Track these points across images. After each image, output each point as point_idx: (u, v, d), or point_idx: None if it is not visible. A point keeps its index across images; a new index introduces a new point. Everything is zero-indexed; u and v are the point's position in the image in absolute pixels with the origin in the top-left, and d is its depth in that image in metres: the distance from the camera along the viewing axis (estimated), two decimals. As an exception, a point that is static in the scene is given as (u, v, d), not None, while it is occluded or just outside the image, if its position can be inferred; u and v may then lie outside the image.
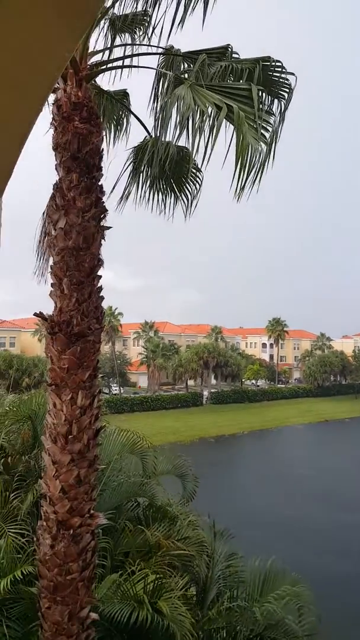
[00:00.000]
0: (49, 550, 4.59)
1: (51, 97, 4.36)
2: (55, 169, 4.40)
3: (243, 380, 78.75)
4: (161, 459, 9.65)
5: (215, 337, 79.29)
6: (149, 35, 5.34)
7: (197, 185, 5.77)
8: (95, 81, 4.95)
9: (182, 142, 5.06)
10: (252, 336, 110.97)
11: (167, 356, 68.05)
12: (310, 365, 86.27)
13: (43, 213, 5.17)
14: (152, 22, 5.18)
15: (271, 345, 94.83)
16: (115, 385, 68.12)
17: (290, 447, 51.37)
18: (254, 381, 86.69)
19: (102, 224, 4.58)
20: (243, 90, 4.78)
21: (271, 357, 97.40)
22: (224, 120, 4.50)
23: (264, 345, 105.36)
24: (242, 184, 4.43)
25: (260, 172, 4.71)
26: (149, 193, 5.81)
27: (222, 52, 5.64)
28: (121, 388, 68.57)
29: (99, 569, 6.45)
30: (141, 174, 5.64)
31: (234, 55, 5.62)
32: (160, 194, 5.90)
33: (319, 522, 29.04)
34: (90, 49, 4.61)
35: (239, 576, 8.38)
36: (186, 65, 5.59)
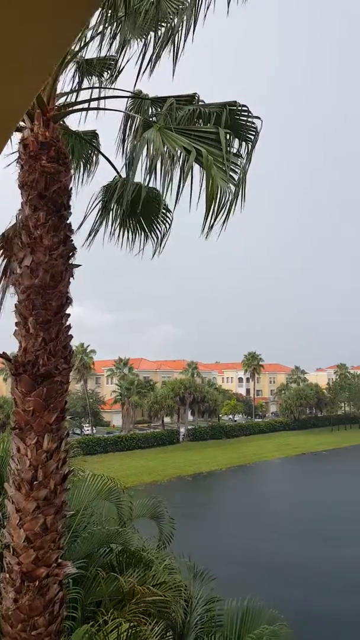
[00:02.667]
0: (12, 605, 4.27)
1: (18, 136, 4.42)
2: (22, 206, 4.39)
3: (220, 415, 78.15)
4: (137, 503, 9.32)
5: (191, 373, 79.00)
6: (116, 78, 5.55)
7: (167, 225, 5.87)
8: (64, 121, 5.05)
9: (152, 183, 5.19)
10: (228, 371, 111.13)
11: (142, 393, 67.04)
12: (286, 398, 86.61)
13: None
14: (119, 67, 5.38)
15: (247, 379, 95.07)
16: (87, 425, 66.28)
17: (268, 483, 50.69)
18: (231, 416, 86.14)
19: (70, 262, 4.56)
20: (211, 134, 4.96)
21: (247, 391, 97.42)
22: (194, 162, 4.64)
23: (240, 379, 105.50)
24: (212, 223, 4.54)
25: (229, 212, 4.86)
26: (120, 231, 5.87)
27: (189, 100, 5.88)
28: (94, 428, 66.76)
29: (68, 622, 6.05)
30: (111, 212, 5.71)
31: (200, 102, 5.86)
32: (130, 232, 5.97)
33: (296, 558, 28.53)
34: (58, 90, 4.72)
35: (217, 619, 8.02)
36: (154, 110, 5.79)
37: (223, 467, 55.65)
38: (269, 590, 23.28)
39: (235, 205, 5.13)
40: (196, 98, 5.79)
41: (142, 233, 5.96)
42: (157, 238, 5.92)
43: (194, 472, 52.58)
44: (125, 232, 5.91)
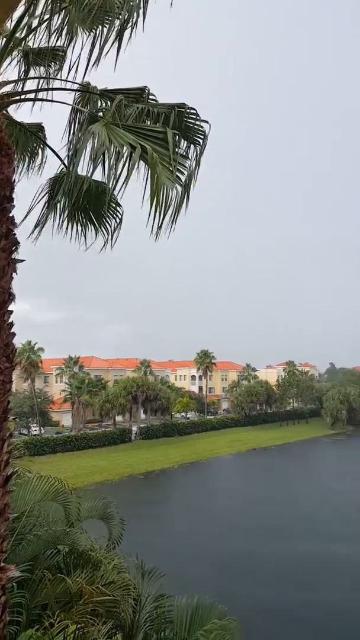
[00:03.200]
0: None
1: None
2: None
3: (173, 413, 78.53)
4: (85, 505, 9.18)
5: (144, 371, 78.76)
6: (64, 70, 5.42)
7: (117, 219, 5.81)
8: (7, 111, 4.87)
9: (100, 178, 5.12)
10: (181, 369, 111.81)
11: (93, 392, 66.05)
12: (238, 395, 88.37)
13: None
14: (68, 58, 5.27)
15: (200, 377, 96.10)
16: (35, 425, 64.52)
17: (219, 479, 51.57)
18: (183, 414, 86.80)
19: (13, 256, 4.41)
20: (158, 133, 4.94)
21: (200, 389, 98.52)
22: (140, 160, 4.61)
23: (193, 377, 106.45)
24: (160, 222, 4.53)
25: (177, 212, 4.88)
26: (68, 224, 5.75)
27: (140, 93, 5.85)
28: (42, 428, 65.01)
29: (12, 626, 5.90)
30: (58, 205, 5.58)
31: (151, 97, 5.85)
32: (80, 225, 5.86)
33: (245, 552, 29.19)
34: (1, 79, 4.55)
35: (167, 616, 8.07)
36: (103, 103, 5.71)
37: (175, 465, 56.01)
38: (219, 585, 23.79)
39: (187, 204, 5.19)
40: (146, 91, 5.78)
41: (92, 227, 5.87)
42: (108, 233, 5.86)
43: (146, 471, 52.55)
44: (75, 226, 5.80)
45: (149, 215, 4.26)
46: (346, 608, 22.27)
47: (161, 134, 4.91)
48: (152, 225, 4.47)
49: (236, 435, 75.88)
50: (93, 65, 5.10)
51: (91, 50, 5.17)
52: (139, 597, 8.10)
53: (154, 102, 5.78)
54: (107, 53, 4.97)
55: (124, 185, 4.43)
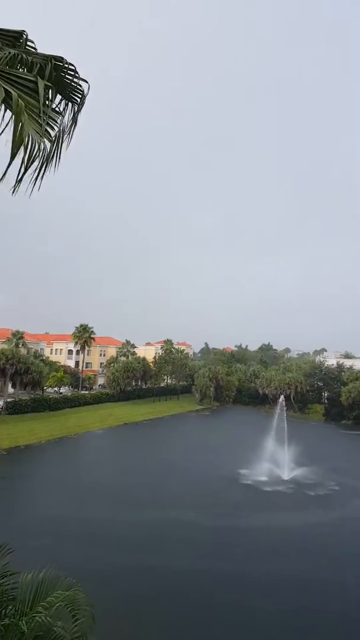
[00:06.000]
0: None
1: None
2: None
3: (45, 388, 75.94)
4: None
5: (15, 343, 74.51)
6: None
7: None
8: None
9: None
10: (58, 342, 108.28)
11: None
12: (115, 371, 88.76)
13: None
14: None
15: (77, 352, 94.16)
16: None
17: (87, 453, 51.68)
18: (56, 389, 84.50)
19: None
20: (29, 82, 4.57)
21: (77, 363, 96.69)
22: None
23: (70, 352, 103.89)
24: (21, 176, 4.25)
25: (43, 168, 4.61)
26: None
27: (16, 37, 5.35)
28: None
29: None
30: None
31: (30, 45, 5.40)
32: None
33: (109, 522, 29.83)
34: None
35: (10, 594, 7.84)
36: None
37: (43, 440, 54.51)
38: (74, 556, 24.06)
39: (58, 162, 4.94)
40: (24, 37, 5.33)
41: None
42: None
43: (9, 446, 50.23)
44: None
45: (7, 166, 3.95)
46: (186, 574, 24.20)
47: (32, 83, 4.56)
48: (9, 178, 4.17)
49: (109, 411, 76.45)
50: None
51: None
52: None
53: (33, 50, 5.37)
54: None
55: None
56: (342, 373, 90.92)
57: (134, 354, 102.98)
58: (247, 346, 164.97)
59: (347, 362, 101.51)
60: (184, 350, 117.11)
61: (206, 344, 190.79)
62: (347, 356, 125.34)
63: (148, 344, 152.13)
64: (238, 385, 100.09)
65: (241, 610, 20.32)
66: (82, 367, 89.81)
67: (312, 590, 22.28)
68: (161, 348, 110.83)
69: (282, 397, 61.34)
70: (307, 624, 19.42)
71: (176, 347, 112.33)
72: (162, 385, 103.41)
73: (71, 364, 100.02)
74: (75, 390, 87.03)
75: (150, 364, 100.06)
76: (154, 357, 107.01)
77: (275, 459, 45.88)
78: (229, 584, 22.68)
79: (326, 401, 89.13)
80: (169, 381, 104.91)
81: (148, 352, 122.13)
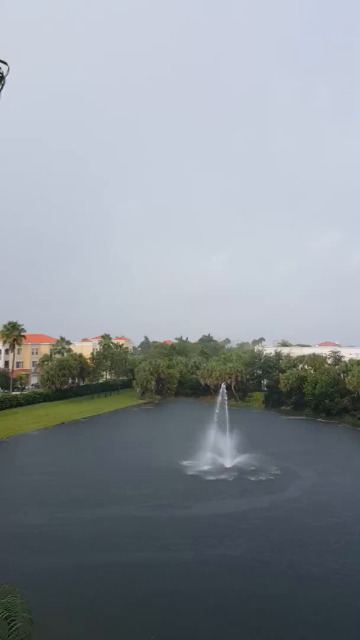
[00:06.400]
0: None
1: None
2: None
3: (-28, 390, 70.34)
4: None
5: None
6: None
7: None
8: None
9: None
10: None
11: None
12: (49, 369, 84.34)
13: None
14: None
15: (7, 351, 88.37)
16: None
17: (22, 455, 48.02)
18: (-16, 391, 78.78)
19: None
20: None
21: (6, 363, 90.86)
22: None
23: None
24: None
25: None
26: None
27: None
28: None
29: None
30: None
31: None
32: None
33: (39, 523, 27.53)
34: None
35: None
36: None
37: (-31, 445, 50.01)
38: (8, 560, 21.56)
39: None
40: None
41: None
42: None
43: None
44: None
45: None
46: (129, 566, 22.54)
47: None
48: None
49: (44, 410, 72.37)
50: None
51: None
52: None
53: None
54: None
55: None
56: (280, 361, 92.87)
57: (69, 350, 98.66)
58: (187, 338, 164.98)
59: (285, 350, 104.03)
60: (123, 344, 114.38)
61: (146, 337, 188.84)
62: (284, 344, 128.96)
63: (85, 340, 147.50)
64: (179, 377, 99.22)
65: (194, 595, 19.22)
66: (13, 366, 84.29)
67: (258, 574, 21.57)
68: (99, 343, 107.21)
69: (223, 386, 60.76)
70: (255, 605, 18.52)
71: (115, 342, 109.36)
72: (101, 381, 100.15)
73: (0, 364, 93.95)
74: (5, 391, 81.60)
75: (88, 360, 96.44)
76: (92, 353, 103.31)
77: (218, 448, 45.18)
78: (180, 573, 21.33)
79: (266, 389, 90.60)
80: (108, 377, 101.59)
81: (85, 349, 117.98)
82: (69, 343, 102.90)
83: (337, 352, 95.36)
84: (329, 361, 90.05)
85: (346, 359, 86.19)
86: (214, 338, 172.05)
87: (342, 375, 76.80)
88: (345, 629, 17.54)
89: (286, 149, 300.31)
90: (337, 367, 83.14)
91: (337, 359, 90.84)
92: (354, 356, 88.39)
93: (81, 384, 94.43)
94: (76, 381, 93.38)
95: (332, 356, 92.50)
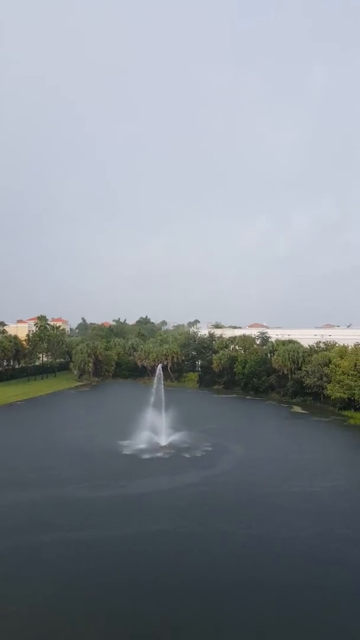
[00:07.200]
0: None
1: None
2: None
3: None
4: None
5: None
6: None
7: None
8: None
9: None
10: None
11: None
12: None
13: None
14: None
15: None
16: None
17: None
18: None
19: None
20: None
21: None
22: None
23: None
24: None
25: None
26: None
27: None
28: None
29: None
30: None
31: None
32: None
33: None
34: None
35: None
36: None
37: None
38: None
39: None
40: None
41: None
42: None
43: None
44: None
45: None
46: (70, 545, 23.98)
47: None
48: None
49: (-22, 394, 70.80)
50: None
51: None
52: None
53: None
54: None
55: None
56: (213, 342, 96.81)
57: (4, 332, 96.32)
58: (125, 320, 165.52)
59: (217, 332, 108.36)
60: (60, 326, 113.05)
61: (83, 319, 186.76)
62: (217, 326, 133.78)
63: (20, 321, 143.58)
64: (117, 359, 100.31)
65: (128, 571, 20.79)
66: None
67: (194, 547, 23.72)
68: (35, 325, 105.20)
69: (159, 367, 63.00)
70: (196, 575, 20.70)
71: (51, 323, 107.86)
72: (37, 364, 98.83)
73: None
74: None
75: (24, 342, 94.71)
76: (27, 335, 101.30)
77: (154, 427, 47.30)
78: (114, 550, 22.94)
79: (200, 369, 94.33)
80: (45, 359, 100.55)
81: (20, 330, 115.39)
82: (3, 324, 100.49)
83: (265, 332, 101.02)
84: (258, 342, 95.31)
85: (273, 340, 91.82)
86: (152, 320, 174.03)
87: (269, 355, 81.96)
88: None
89: (218, 137, 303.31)
90: (264, 347, 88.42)
91: (265, 339, 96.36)
92: (279, 337, 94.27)
93: (17, 366, 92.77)
94: (11, 363, 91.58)
95: (260, 337, 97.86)
